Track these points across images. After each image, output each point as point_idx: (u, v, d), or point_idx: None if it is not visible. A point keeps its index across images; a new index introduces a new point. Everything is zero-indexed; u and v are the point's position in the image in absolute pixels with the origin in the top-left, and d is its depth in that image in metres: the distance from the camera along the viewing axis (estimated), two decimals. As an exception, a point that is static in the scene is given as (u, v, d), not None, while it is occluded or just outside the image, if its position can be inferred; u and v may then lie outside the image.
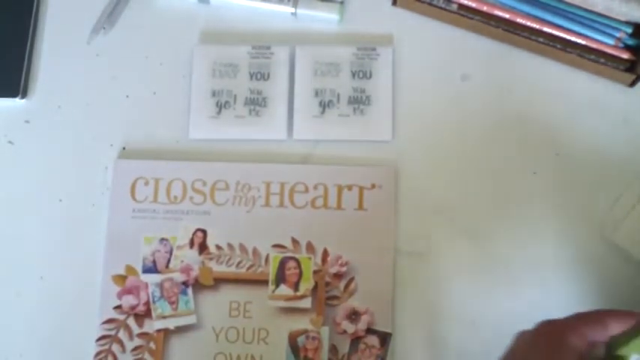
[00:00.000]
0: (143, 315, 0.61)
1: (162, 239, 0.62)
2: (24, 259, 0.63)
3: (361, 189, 0.62)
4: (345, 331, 0.60)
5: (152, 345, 0.60)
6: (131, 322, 0.60)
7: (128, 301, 0.61)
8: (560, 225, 0.62)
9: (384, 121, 0.64)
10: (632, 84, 0.63)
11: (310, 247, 0.61)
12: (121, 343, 0.60)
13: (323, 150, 0.64)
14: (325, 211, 0.62)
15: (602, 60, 0.63)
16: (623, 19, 0.62)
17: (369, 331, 0.60)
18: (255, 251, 0.61)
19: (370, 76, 0.64)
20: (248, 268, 0.61)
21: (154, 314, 0.60)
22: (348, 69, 0.65)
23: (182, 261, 0.61)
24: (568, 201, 0.62)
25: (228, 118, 0.64)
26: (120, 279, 0.61)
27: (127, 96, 0.66)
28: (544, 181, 0.63)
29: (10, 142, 0.66)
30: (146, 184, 0.63)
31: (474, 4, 0.64)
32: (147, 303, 0.61)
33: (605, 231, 0.62)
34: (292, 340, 0.60)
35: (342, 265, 0.61)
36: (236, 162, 0.63)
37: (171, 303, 0.61)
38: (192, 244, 0.62)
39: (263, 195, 0.62)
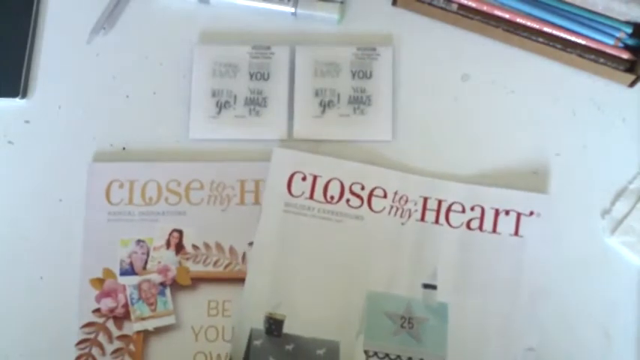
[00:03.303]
0: (122, 317, 0.61)
1: (139, 241, 0.62)
2: (23, 258, 0.63)
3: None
4: None
5: (132, 347, 0.60)
6: (110, 325, 0.60)
7: (106, 304, 0.61)
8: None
9: (384, 121, 0.64)
10: (632, 84, 0.63)
11: None
12: (100, 346, 0.60)
13: (324, 149, 0.64)
14: None
15: (602, 60, 0.63)
16: (623, 19, 0.63)
17: None
18: (231, 249, 0.61)
19: (370, 76, 0.64)
20: (225, 267, 0.61)
21: (132, 316, 0.61)
22: (348, 69, 0.65)
23: (159, 262, 0.61)
24: (568, 201, 0.62)
25: (228, 118, 0.64)
26: (97, 282, 0.61)
27: (127, 96, 0.66)
28: (544, 180, 0.63)
29: (10, 142, 0.66)
30: (120, 186, 0.63)
31: (474, 4, 0.64)
32: (125, 305, 0.61)
33: (605, 231, 0.62)
34: None
35: None
36: (209, 161, 0.63)
37: (150, 304, 0.61)
38: (168, 244, 0.62)
39: (238, 193, 0.62)
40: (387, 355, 0.58)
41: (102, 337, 0.60)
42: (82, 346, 0.60)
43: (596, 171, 0.63)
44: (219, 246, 0.61)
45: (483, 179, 0.63)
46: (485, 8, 0.64)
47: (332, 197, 0.62)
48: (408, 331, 0.59)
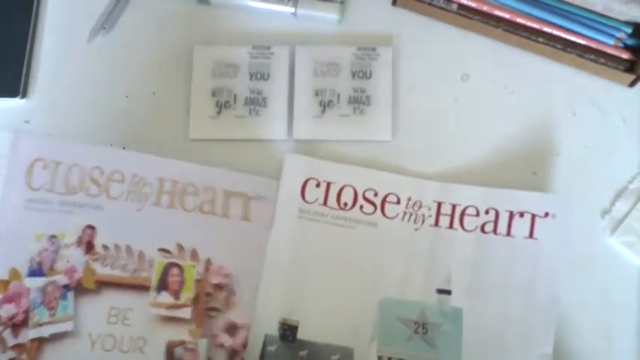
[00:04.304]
0: (20, 325, 0.57)
1: (52, 237, 0.59)
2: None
3: (247, 198, 0.61)
4: (222, 345, 0.59)
5: (24, 357, 0.57)
6: (7, 334, 0.57)
7: (8, 310, 0.57)
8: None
9: (384, 121, 0.64)
10: (632, 84, 0.63)
11: (195, 255, 0.60)
12: None
13: (326, 149, 0.64)
14: (212, 218, 0.61)
15: (602, 60, 0.63)
16: (623, 19, 0.62)
17: (245, 346, 0.59)
18: (141, 254, 0.59)
19: (370, 76, 0.64)
20: (132, 272, 0.59)
21: (30, 322, 0.57)
22: (348, 69, 0.65)
23: (68, 261, 0.59)
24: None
25: (228, 118, 0.64)
26: (2, 285, 0.58)
27: (127, 96, 0.66)
28: (544, 181, 0.63)
29: (10, 142, 0.66)
30: (45, 167, 0.60)
31: (473, 4, 0.64)
32: (26, 311, 0.57)
33: (605, 231, 0.62)
34: (170, 350, 0.58)
35: (224, 277, 0.60)
36: (133, 151, 0.62)
37: (50, 309, 0.57)
38: (80, 242, 0.59)
39: (155, 192, 0.61)
40: None
41: None
42: None
43: (596, 171, 0.63)
44: (129, 249, 0.59)
45: (482, 179, 0.63)
46: (485, 8, 0.64)
47: (345, 204, 0.62)
48: (422, 337, 0.58)
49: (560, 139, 0.64)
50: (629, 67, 0.63)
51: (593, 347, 0.60)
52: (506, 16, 0.64)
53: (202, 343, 0.58)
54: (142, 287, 0.59)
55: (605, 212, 0.62)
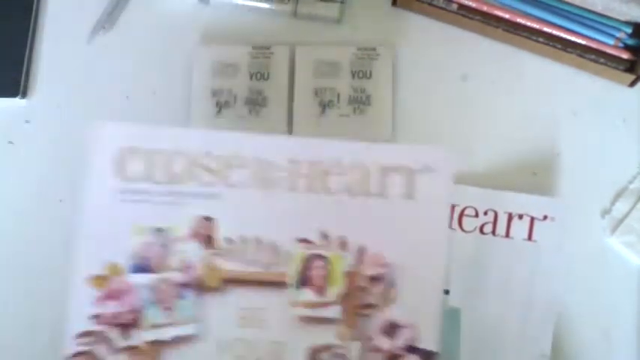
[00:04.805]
0: (129, 325, 0.50)
1: (158, 229, 0.51)
2: (24, 259, 0.63)
3: (411, 171, 0.51)
4: (379, 349, 0.50)
5: None
6: (114, 334, 0.50)
7: (110, 308, 0.50)
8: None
9: (384, 121, 0.64)
10: (632, 84, 0.63)
11: (344, 243, 0.51)
12: None
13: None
14: (365, 199, 0.51)
15: (602, 60, 0.63)
16: (623, 19, 0.63)
17: (410, 349, 0.49)
18: (273, 247, 0.51)
19: (370, 76, 0.64)
20: (265, 267, 0.51)
21: (144, 323, 0.50)
22: (348, 69, 0.65)
23: (182, 257, 0.51)
24: (568, 201, 0.62)
25: (228, 118, 0.64)
26: (99, 280, 0.50)
27: (127, 96, 0.66)
28: (544, 181, 0.63)
29: (10, 142, 0.66)
30: (137, 157, 0.51)
31: (473, 4, 0.64)
32: (134, 310, 0.50)
33: (605, 231, 0.62)
34: (314, 356, 0.50)
35: (381, 267, 0.50)
36: (256, 133, 0.54)
37: (166, 309, 0.50)
38: (195, 235, 0.51)
39: (288, 176, 0.51)
40: None
41: (101, 350, 0.49)
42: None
43: (596, 171, 0.63)
44: (259, 241, 0.51)
45: (482, 179, 0.63)
46: (485, 8, 0.64)
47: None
48: None
49: (560, 139, 0.64)
50: (629, 67, 0.63)
51: (593, 347, 0.60)
52: (506, 16, 0.64)
53: (354, 347, 0.50)
54: (277, 284, 0.50)
55: (605, 212, 0.62)
